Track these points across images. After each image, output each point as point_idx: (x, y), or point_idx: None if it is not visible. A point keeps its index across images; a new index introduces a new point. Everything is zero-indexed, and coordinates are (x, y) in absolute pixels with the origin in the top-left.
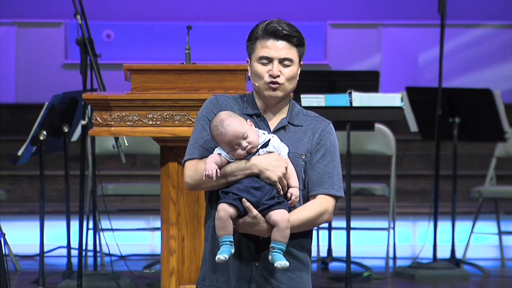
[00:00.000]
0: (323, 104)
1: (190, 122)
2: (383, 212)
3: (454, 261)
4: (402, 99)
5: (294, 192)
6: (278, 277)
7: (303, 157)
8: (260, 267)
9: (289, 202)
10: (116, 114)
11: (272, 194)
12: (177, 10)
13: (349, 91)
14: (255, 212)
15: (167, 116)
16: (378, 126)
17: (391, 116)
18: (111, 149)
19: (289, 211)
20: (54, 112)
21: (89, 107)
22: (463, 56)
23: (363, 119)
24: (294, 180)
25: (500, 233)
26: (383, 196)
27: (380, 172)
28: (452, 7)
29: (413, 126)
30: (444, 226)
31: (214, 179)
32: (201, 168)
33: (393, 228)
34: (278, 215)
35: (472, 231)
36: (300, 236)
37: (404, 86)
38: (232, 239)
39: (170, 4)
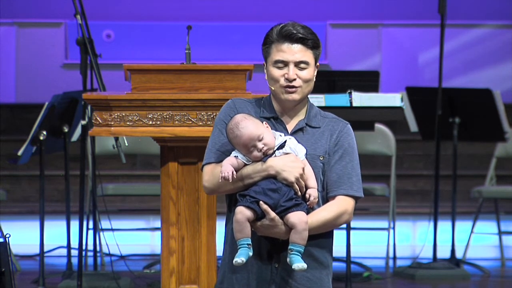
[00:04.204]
0: (323, 104)
1: (190, 122)
2: (383, 212)
3: (454, 261)
4: (402, 99)
5: (313, 193)
6: (297, 279)
7: (321, 159)
8: (280, 268)
9: (307, 203)
10: (116, 114)
11: (289, 196)
12: (177, 10)
13: (349, 91)
14: (272, 214)
15: (167, 116)
16: (378, 126)
17: (391, 116)
18: (111, 149)
19: (308, 212)
20: (54, 112)
21: (89, 107)
22: (463, 56)
23: (363, 119)
24: (312, 181)
25: (500, 233)
26: (383, 196)
27: (380, 172)
28: (452, 7)
29: (413, 126)
30: (444, 226)
31: (230, 181)
32: (218, 171)
33: (393, 228)
34: (296, 217)
35: (472, 231)
36: (321, 237)
37: (404, 86)
38: (250, 242)
39: (170, 4)
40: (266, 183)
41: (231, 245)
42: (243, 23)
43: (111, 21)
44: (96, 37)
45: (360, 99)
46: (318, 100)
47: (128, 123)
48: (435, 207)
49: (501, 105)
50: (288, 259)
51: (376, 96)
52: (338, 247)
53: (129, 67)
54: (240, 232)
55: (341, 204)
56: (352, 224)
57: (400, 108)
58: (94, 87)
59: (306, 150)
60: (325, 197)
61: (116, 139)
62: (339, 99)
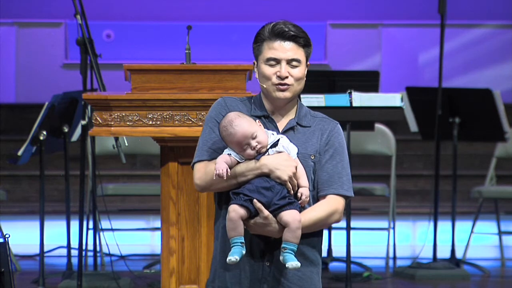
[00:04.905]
0: (323, 104)
1: (190, 122)
2: (383, 212)
3: (454, 261)
4: (402, 99)
5: (304, 191)
6: (289, 277)
7: (312, 158)
8: (272, 267)
9: (299, 202)
10: (116, 114)
11: (282, 194)
12: (177, 10)
13: (349, 91)
14: (266, 212)
15: (167, 116)
16: (378, 126)
17: (391, 116)
18: (111, 149)
19: (300, 211)
20: (54, 112)
21: (89, 107)
22: (463, 56)
23: (363, 119)
24: (304, 180)
25: (500, 233)
26: (383, 196)
27: (380, 172)
28: (452, 7)
29: (413, 126)
30: (444, 226)
31: (225, 178)
32: (211, 169)
33: (393, 228)
34: (290, 215)
35: (472, 231)
36: (311, 236)
37: (404, 86)
38: (243, 240)
39: (170, 4)
40: (260, 181)
41: (222, 243)
42: (243, 23)
43: (111, 21)
44: (96, 37)
45: (360, 99)
46: (318, 100)
47: (128, 123)
48: (435, 207)
49: (501, 105)
50: (281, 258)
51: (376, 96)
52: (338, 247)
53: (129, 67)
54: (233, 230)
55: (332, 204)
56: (352, 224)
57: (400, 108)
58: (94, 87)
59: (298, 149)
60: (316, 196)
61: (116, 139)
62: (339, 99)
